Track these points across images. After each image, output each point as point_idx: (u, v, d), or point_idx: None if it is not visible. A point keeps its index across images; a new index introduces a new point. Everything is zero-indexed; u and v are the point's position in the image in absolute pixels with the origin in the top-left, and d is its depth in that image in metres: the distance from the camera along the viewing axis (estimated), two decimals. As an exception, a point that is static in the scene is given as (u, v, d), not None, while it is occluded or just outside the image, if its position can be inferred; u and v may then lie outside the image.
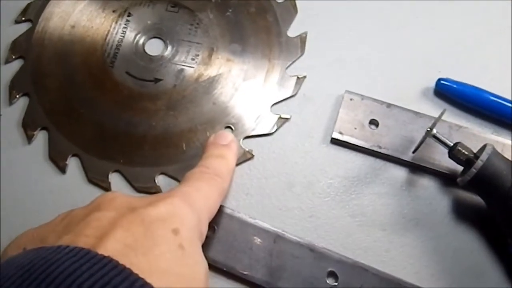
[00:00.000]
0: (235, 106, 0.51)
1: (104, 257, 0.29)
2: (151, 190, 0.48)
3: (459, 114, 0.52)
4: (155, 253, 0.32)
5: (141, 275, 0.29)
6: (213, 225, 0.46)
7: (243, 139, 0.51)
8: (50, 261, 0.29)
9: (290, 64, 0.54)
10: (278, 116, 0.51)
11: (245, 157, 0.50)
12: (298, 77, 0.53)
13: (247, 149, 0.50)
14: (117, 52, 0.53)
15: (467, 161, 0.46)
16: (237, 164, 0.50)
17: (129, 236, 0.32)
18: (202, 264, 0.36)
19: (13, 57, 0.54)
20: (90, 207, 0.37)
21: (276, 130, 0.51)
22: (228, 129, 0.51)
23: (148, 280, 0.29)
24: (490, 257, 0.48)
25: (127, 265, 0.29)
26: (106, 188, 0.48)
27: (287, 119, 0.51)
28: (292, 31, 0.56)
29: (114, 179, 0.49)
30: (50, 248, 0.30)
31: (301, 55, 0.55)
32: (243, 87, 0.52)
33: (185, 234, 0.35)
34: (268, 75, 0.53)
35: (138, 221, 0.34)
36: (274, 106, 0.53)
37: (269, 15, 0.55)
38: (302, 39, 0.55)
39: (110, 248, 0.31)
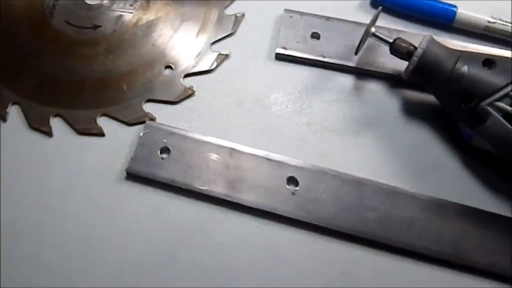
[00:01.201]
0: (174, 47, 0.51)
1: None
2: (92, 131, 0.47)
3: (397, 21, 0.53)
4: None
5: None
6: (167, 147, 0.45)
7: (184, 77, 0.49)
8: None
9: (229, 5, 0.53)
10: (218, 52, 0.50)
11: (186, 94, 0.49)
12: (236, 16, 0.52)
13: (187, 86, 0.49)
14: (56, 3, 0.52)
15: (408, 53, 0.46)
16: (179, 101, 0.49)
17: None
18: None
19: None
20: None
21: (216, 66, 0.50)
22: (168, 68, 0.49)
23: None
24: (445, 147, 0.48)
25: None
26: (47, 132, 0.47)
27: (226, 55, 0.51)
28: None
29: (56, 123, 0.48)
30: None
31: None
32: (182, 28, 0.52)
33: None
34: (207, 15, 0.52)
35: None
36: (215, 44, 0.52)
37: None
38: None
39: None
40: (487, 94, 0.42)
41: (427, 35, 0.45)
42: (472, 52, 0.46)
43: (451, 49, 0.45)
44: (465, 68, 0.44)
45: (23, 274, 0.42)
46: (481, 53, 0.45)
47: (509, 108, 0.42)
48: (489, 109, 0.42)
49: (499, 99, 0.42)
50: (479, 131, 0.44)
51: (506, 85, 0.42)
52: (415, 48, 0.45)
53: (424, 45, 0.45)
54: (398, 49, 0.46)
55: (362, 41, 0.47)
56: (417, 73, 0.45)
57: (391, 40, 0.47)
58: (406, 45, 0.46)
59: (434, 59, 0.45)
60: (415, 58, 0.45)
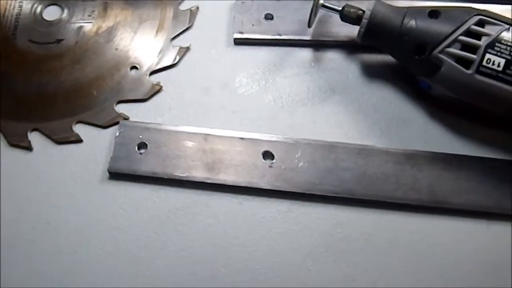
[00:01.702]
0: (136, 48, 0.52)
1: None
2: (70, 139, 0.48)
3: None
4: None
5: None
6: (144, 142, 0.46)
7: (150, 74, 0.50)
8: None
9: (182, 1, 0.54)
10: (179, 47, 0.52)
11: (154, 90, 0.50)
12: (191, 10, 0.53)
13: (154, 83, 0.50)
14: (17, 25, 0.53)
15: (358, 17, 0.47)
16: (149, 98, 0.50)
17: None
18: None
19: None
20: None
21: (179, 60, 0.51)
22: (134, 69, 0.51)
23: None
24: (408, 101, 0.50)
25: None
26: (27, 147, 0.47)
27: (187, 48, 0.52)
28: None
29: (34, 137, 0.48)
30: None
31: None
32: (141, 29, 0.53)
33: None
34: (163, 14, 0.53)
35: None
36: (175, 40, 0.53)
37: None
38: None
39: None
40: (437, 43, 0.44)
41: (372, -1, 0.47)
42: (417, 6, 0.47)
43: (397, 7, 0.47)
44: (412, 22, 0.45)
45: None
46: (426, 6, 0.46)
47: (459, 52, 0.43)
48: (441, 56, 0.44)
49: (449, 45, 0.44)
50: (436, 78, 0.45)
51: (453, 31, 0.44)
52: (363, 11, 0.46)
53: (371, 7, 0.46)
54: (347, 15, 0.47)
55: (312, 13, 0.48)
56: (369, 35, 0.47)
57: (340, 8, 0.48)
58: (354, 10, 0.47)
59: (382, 18, 0.46)
60: (364, 21, 0.46)
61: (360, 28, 0.46)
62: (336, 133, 0.48)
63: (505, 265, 0.44)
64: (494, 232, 0.45)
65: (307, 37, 0.51)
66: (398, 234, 0.45)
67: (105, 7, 0.53)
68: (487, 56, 0.42)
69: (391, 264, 0.44)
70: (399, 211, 0.45)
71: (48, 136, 0.48)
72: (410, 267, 0.44)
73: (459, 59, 0.43)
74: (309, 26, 0.49)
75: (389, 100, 0.49)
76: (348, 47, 0.51)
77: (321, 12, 0.49)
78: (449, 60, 0.43)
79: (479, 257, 0.44)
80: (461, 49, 0.43)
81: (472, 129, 0.48)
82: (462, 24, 0.44)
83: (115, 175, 0.46)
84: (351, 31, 0.49)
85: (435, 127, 0.48)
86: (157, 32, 0.52)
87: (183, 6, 0.54)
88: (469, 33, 0.43)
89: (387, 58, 0.49)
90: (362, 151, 0.46)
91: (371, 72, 0.50)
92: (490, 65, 0.42)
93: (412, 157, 0.46)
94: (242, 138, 0.46)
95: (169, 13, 0.53)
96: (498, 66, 0.42)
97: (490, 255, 0.44)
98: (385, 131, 0.48)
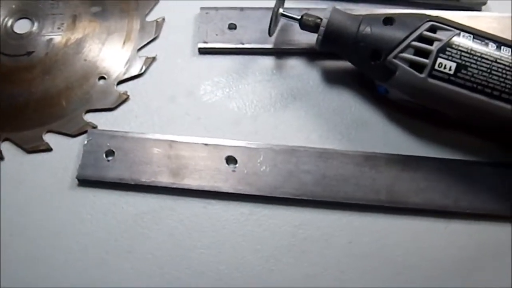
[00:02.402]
0: (104, 59, 0.53)
1: None
2: (40, 147, 0.48)
3: (306, 1, 0.54)
4: None
5: None
6: (112, 149, 0.46)
7: (117, 84, 0.51)
8: None
9: (148, 12, 0.55)
10: (145, 57, 0.52)
11: (121, 99, 0.50)
12: (157, 21, 0.54)
13: (122, 92, 0.51)
14: (-12, 38, 0.53)
15: (316, 25, 0.48)
16: (116, 107, 0.50)
17: None
18: None
19: None
20: None
21: (145, 70, 0.52)
22: (102, 79, 0.51)
23: None
24: (367, 105, 0.50)
25: None
26: (-1, 156, 0.48)
27: (153, 58, 0.52)
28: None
29: (5, 146, 0.49)
30: None
31: (157, 3, 0.56)
32: (109, 40, 0.53)
33: None
34: (130, 25, 0.54)
35: None
36: (141, 50, 0.53)
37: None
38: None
39: None
40: (392, 48, 0.45)
41: (330, 6, 0.47)
42: (372, 14, 0.48)
43: (353, 14, 0.48)
44: (368, 29, 0.46)
45: None
46: (381, 13, 0.47)
47: (413, 57, 0.44)
48: (396, 61, 0.45)
49: (402, 51, 0.44)
50: (391, 83, 0.46)
51: (407, 37, 0.44)
52: (321, 19, 0.47)
53: (328, 15, 0.47)
54: (306, 23, 0.48)
55: (272, 22, 0.49)
56: (327, 42, 0.47)
57: (299, 17, 0.49)
58: (312, 19, 0.48)
59: (339, 26, 0.47)
60: (322, 28, 0.47)
61: (318, 35, 0.47)
62: (298, 138, 0.48)
63: (463, 263, 0.45)
64: (452, 230, 0.46)
65: (269, 46, 0.51)
66: (358, 234, 0.45)
67: (74, 20, 0.54)
68: (439, 60, 0.43)
69: (352, 263, 0.44)
70: (359, 212, 0.46)
71: (19, 145, 0.48)
72: (370, 265, 0.44)
73: (412, 64, 0.44)
74: (270, 34, 0.50)
75: (348, 104, 0.50)
76: (308, 54, 0.52)
77: (283, 21, 0.50)
78: (403, 64, 0.44)
79: (438, 255, 0.45)
80: (414, 54, 0.44)
81: (429, 131, 0.49)
82: (414, 30, 0.44)
83: (84, 182, 0.46)
84: (311, 39, 0.49)
85: (393, 130, 0.49)
86: (124, 43, 0.53)
87: (150, 18, 0.54)
88: (421, 38, 0.44)
89: (346, 64, 0.50)
90: (323, 154, 0.47)
91: (331, 78, 0.51)
92: (442, 69, 0.43)
93: (371, 159, 0.47)
94: (206, 144, 0.47)
95: (136, 24, 0.54)
96: (450, 69, 0.43)
97: (449, 253, 0.45)
98: (345, 135, 0.49)
